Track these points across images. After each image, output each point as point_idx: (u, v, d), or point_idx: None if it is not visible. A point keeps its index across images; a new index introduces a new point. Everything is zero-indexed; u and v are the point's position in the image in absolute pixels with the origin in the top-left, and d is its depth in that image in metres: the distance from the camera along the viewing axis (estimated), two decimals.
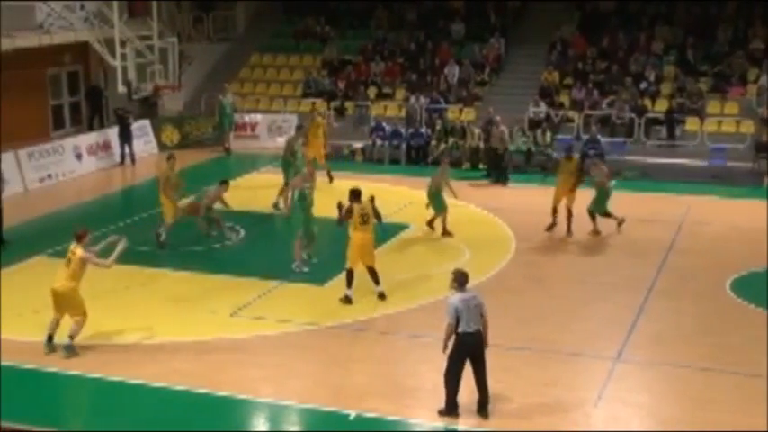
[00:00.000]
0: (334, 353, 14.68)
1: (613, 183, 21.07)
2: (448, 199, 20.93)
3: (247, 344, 14.96)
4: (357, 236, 16.59)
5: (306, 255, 18.53)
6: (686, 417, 12.58)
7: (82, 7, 28.93)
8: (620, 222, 21.11)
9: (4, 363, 13.95)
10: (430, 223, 20.89)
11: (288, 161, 22.94)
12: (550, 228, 21.00)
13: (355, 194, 16.85)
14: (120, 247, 14.77)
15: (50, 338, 14.47)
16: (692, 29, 32.55)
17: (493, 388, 13.13)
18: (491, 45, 33.62)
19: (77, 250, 14.32)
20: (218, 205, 20.51)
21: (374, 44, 34.89)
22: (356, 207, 16.68)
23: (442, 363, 14.10)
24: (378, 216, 17.10)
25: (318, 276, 17.91)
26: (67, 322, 14.38)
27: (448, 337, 12.29)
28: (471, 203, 23.48)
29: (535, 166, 27.53)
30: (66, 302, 14.29)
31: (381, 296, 16.71)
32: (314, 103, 31.26)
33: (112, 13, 27.48)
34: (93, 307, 16.08)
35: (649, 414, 12.79)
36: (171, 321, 15.89)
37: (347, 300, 16.55)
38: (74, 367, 13.93)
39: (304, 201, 18.30)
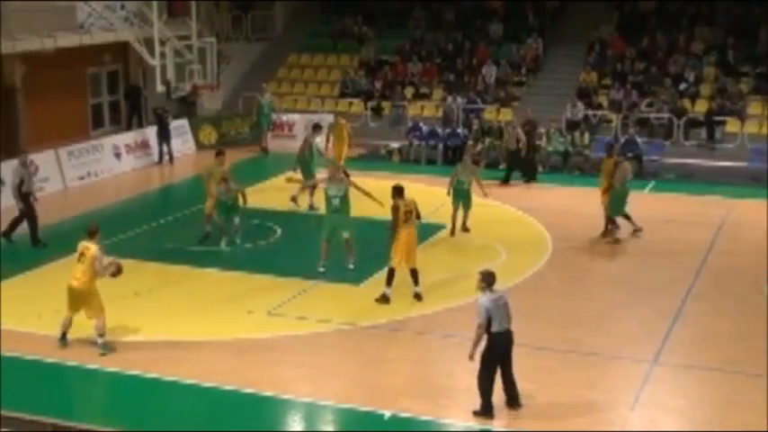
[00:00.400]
0: (370, 353, 14.68)
1: (629, 181, 20.79)
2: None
3: (283, 343, 15.00)
4: (402, 232, 16.55)
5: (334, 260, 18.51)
6: (723, 420, 12.45)
7: (122, 7, 29.17)
8: (637, 230, 20.71)
9: (47, 360, 14.13)
10: (464, 226, 20.84)
11: (305, 160, 22.79)
12: (605, 233, 20.64)
13: (398, 191, 16.81)
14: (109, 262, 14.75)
15: (64, 336, 14.57)
16: (732, 29, 32.21)
17: (528, 389, 13.11)
18: (529, 45, 33.50)
19: (91, 246, 14.40)
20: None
21: (412, 44, 34.88)
22: (401, 204, 16.67)
23: (476, 363, 14.10)
24: (418, 215, 17.08)
25: (354, 276, 17.92)
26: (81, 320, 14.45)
27: (478, 339, 12.27)
28: (506, 203, 23.41)
29: (572, 166, 27.39)
30: (82, 300, 14.36)
31: (418, 297, 16.70)
32: (349, 103, 31.25)
33: (152, 12, 27.65)
34: (130, 305, 16.30)
35: (686, 418, 12.67)
36: (207, 320, 15.96)
37: (384, 299, 16.52)
38: (111, 364, 14.04)
39: (346, 203, 18.17)
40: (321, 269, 18.08)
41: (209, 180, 20.10)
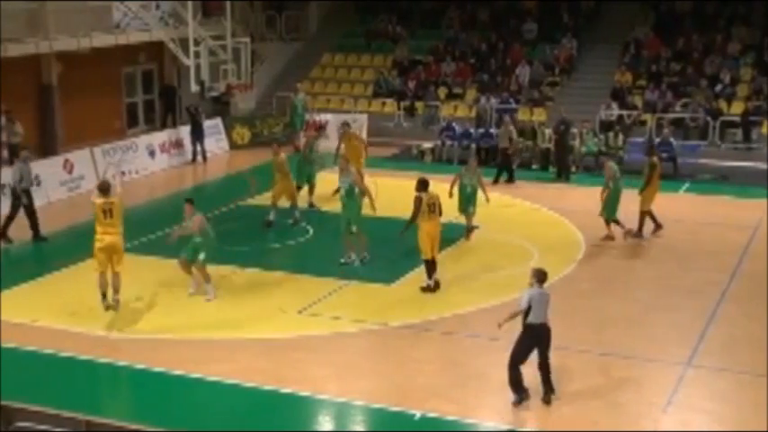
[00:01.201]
0: (401, 352, 14.68)
1: (622, 181, 20.72)
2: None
3: (314, 342, 15.03)
4: (425, 225, 16.80)
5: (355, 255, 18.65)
6: (755, 424, 12.32)
7: (157, 7, 29.38)
8: (627, 232, 20.53)
9: (81, 356, 14.25)
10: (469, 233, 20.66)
11: (307, 160, 22.67)
12: (656, 231, 20.73)
13: (423, 184, 17.02)
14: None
15: (105, 296, 15.62)
16: None
17: (561, 390, 13.06)
18: (563, 46, 33.34)
19: (113, 198, 15.36)
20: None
21: (445, 44, 34.83)
22: (424, 196, 16.81)
23: (506, 363, 14.07)
24: (440, 210, 17.15)
25: (386, 276, 17.92)
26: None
27: (512, 316, 12.83)
28: (537, 204, 23.32)
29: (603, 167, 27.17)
30: (118, 253, 15.36)
31: (425, 289, 16.84)
32: (382, 103, 31.17)
33: (187, 12, 27.79)
34: (162, 303, 16.41)
35: (718, 420, 12.57)
36: (238, 319, 16.02)
37: (429, 288, 16.85)
38: (141, 361, 14.12)
39: (351, 196, 18.39)
40: (342, 260, 18.43)
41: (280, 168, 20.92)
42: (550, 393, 12.95)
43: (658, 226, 20.69)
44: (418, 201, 16.89)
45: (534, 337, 12.73)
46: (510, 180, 25.78)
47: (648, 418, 12.60)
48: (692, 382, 13.68)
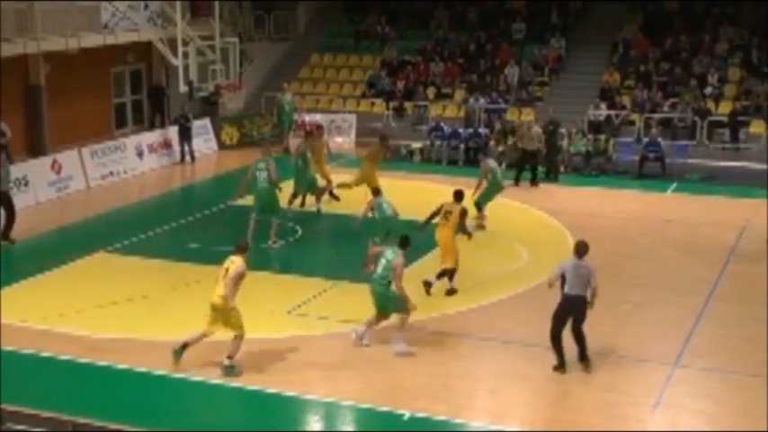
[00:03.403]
0: (390, 353, 14.65)
1: (499, 178, 21.48)
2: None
3: (303, 343, 15.01)
4: (436, 232, 17.24)
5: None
6: (744, 424, 12.36)
7: (146, 7, 29.29)
8: (481, 226, 20.88)
9: (60, 357, 14.21)
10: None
11: (302, 168, 22.17)
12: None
13: (455, 195, 17.51)
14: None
15: (185, 346, 13.78)
16: (757, 29, 31.99)
17: (548, 390, 13.08)
18: (552, 46, 33.40)
19: (237, 260, 13.68)
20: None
21: (434, 44, 34.86)
22: (444, 204, 17.39)
23: (497, 365, 14.12)
24: (462, 225, 17.39)
25: None
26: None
27: (551, 281, 13.88)
28: (526, 204, 23.36)
29: (593, 168, 27.27)
30: (222, 317, 13.68)
31: (427, 285, 16.93)
32: (371, 103, 31.15)
33: (175, 12, 27.74)
34: (152, 303, 16.36)
35: (707, 420, 12.59)
36: None
37: (451, 292, 17.06)
38: (127, 362, 14.07)
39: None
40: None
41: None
42: (586, 362, 13.73)
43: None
44: (438, 208, 17.43)
45: (567, 307, 13.52)
46: (534, 182, 25.73)
47: (636, 417, 12.62)
48: (681, 381, 13.71)
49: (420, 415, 12.51)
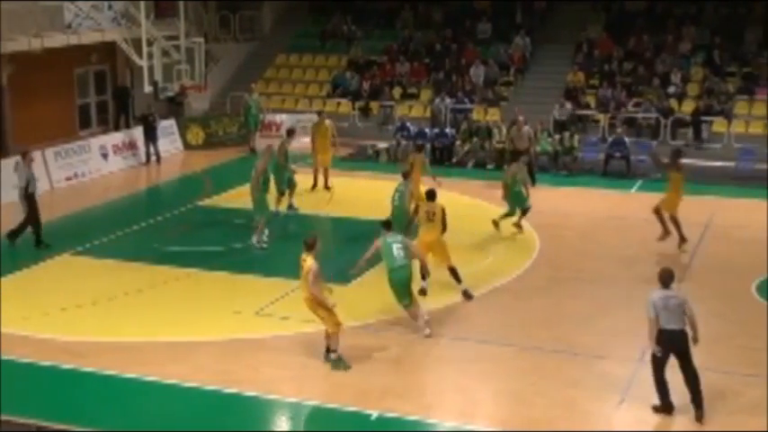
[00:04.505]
0: (357, 353, 14.66)
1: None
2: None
3: (271, 343, 15.00)
4: (420, 235, 17.03)
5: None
6: (711, 419, 12.48)
7: (110, 7, 29.07)
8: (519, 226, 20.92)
9: (23, 360, 14.09)
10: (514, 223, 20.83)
11: (281, 166, 22.19)
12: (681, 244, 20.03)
13: (428, 194, 17.31)
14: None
15: (329, 350, 14.14)
16: (719, 29, 32.35)
17: (513, 388, 13.15)
18: (516, 45, 33.55)
19: (308, 259, 13.82)
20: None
21: (400, 44, 34.91)
22: (421, 205, 17.24)
23: (464, 364, 14.17)
24: (444, 223, 17.09)
25: (343, 276, 17.89)
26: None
27: (651, 332, 12.38)
28: (494, 204, 23.42)
29: (560, 167, 27.43)
30: (313, 311, 13.90)
31: (422, 292, 16.79)
32: (337, 103, 31.17)
33: (139, 13, 27.59)
34: (117, 305, 16.27)
35: (671, 417, 12.68)
36: (194, 321, 15.95)
37: (468, 296, 16.92)
38: (93, 365, 13.99)
39: (267, 184, 19.60)
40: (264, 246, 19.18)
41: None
42: (699, 411, 12.42)
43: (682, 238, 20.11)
44: (415, 209, 17.33)
45: (668, 342, 12.32)
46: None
47: (601, 414, 12.72)
48: (646, 378, 13.77)
49: (388, 415, 12.53)
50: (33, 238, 19.85)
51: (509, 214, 20.78)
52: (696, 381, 12.43)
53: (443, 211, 17.07)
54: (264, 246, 19.49)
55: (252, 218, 19.92)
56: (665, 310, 12.27)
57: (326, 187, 24.41)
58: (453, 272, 16.98)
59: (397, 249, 14.94)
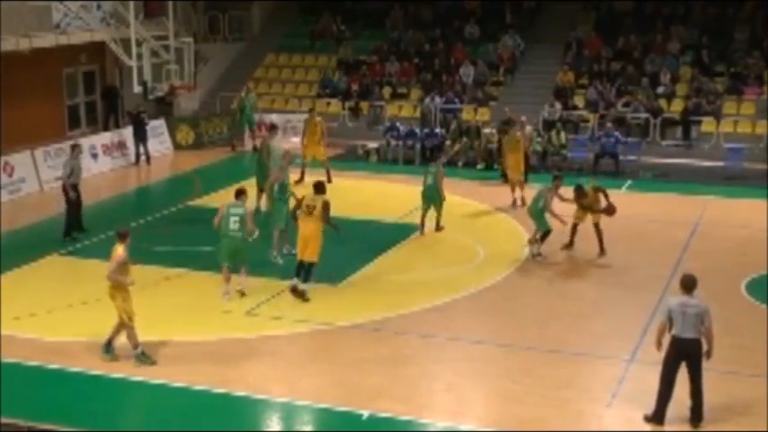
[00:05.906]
0: (348, 353, 14.67)
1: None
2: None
3: (261, 343, 14.98)
4: (300, 225, 16.83)
5: (285, 249, 18.71)
6: (707, 419, 12.46)
7: (99, 7, 29.00)
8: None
9: (11, 360, 14.04)
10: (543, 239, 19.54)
11: (263, 162, 22.09)
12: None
13: (315, 187, 17.02)
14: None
15: (109, 343, 14.23)
16: (707, 29, 32.46)
17: (504, 388, 13.15)
18: (506, 44, 33.58)
19: (119, 248, 13.93)
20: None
21: (389, 44, 34.91)
22: (305, 197, 16.93)
23: (454, 364, 14.16)
24: (327, 218, 16.72)
25: (332, 276, 17.91)
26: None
27: (657, 335, 12.25)
28: (484, 203, 23.46)
29: (550, 166, 27.45)
30: (111, 299, 14.04)
31: (293, 290, 16.70)
32: (327, 103, 31.17)
33: (128, 13, 27.52)
34: (107, 307, 16.20)
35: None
36: (185, 321, 15.91)
37: (294, 291, 16.72)
38: (81, 365, 13.94)
39: (285, 193, 18.59)
40: (280, 261, 18.54)
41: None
42: (696, 422, 12.20)
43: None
44: (298, 202, 17.08)
45: (678, 353, 11.98)
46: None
47: (593, 413, 12.74)
48: (636, 377, 13.84)
49: (379, 415, 12.52)
50: (63, 229, 20.17)
51: (546, 233, 19.43)
52: (700, 395, 12.18)
53: (326, 205, 16.66)
54: (286, 253, 18.89)
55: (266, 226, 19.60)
56: (682, 316, 11.93)
57: (329, 181, 24.26)
58: (308, 268, 16.67)
59: (233, 221, 16.33)
